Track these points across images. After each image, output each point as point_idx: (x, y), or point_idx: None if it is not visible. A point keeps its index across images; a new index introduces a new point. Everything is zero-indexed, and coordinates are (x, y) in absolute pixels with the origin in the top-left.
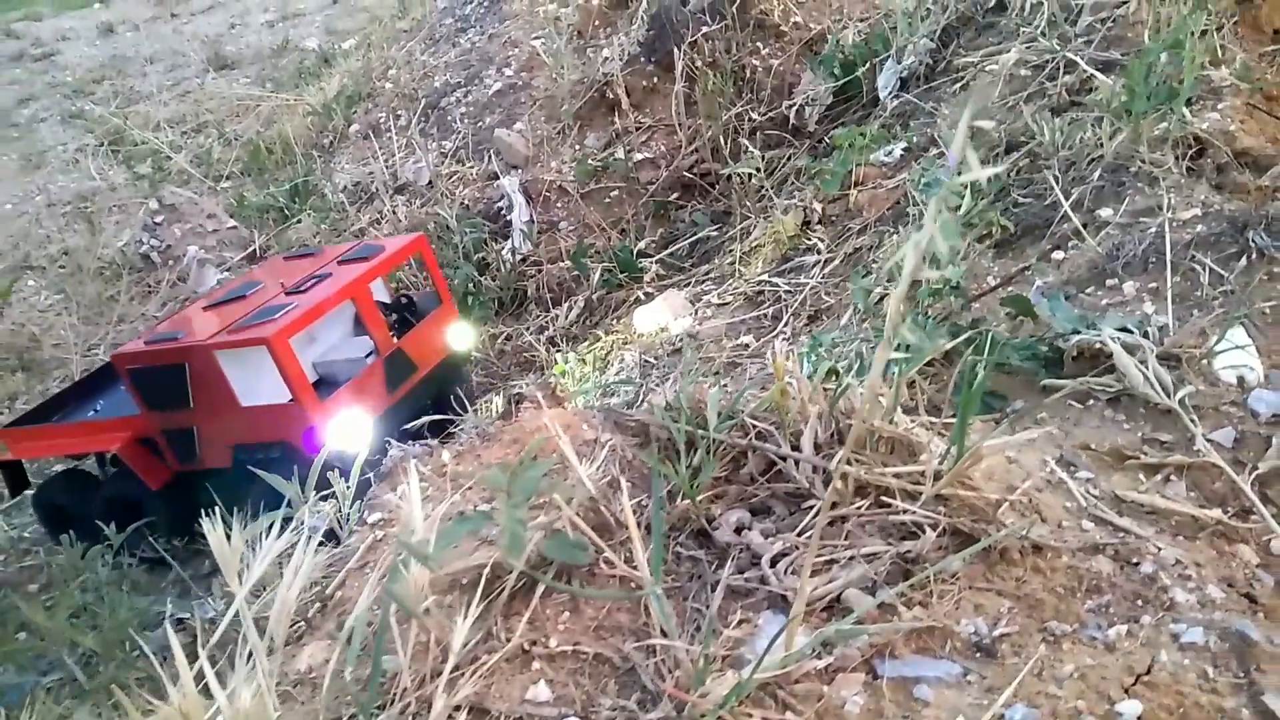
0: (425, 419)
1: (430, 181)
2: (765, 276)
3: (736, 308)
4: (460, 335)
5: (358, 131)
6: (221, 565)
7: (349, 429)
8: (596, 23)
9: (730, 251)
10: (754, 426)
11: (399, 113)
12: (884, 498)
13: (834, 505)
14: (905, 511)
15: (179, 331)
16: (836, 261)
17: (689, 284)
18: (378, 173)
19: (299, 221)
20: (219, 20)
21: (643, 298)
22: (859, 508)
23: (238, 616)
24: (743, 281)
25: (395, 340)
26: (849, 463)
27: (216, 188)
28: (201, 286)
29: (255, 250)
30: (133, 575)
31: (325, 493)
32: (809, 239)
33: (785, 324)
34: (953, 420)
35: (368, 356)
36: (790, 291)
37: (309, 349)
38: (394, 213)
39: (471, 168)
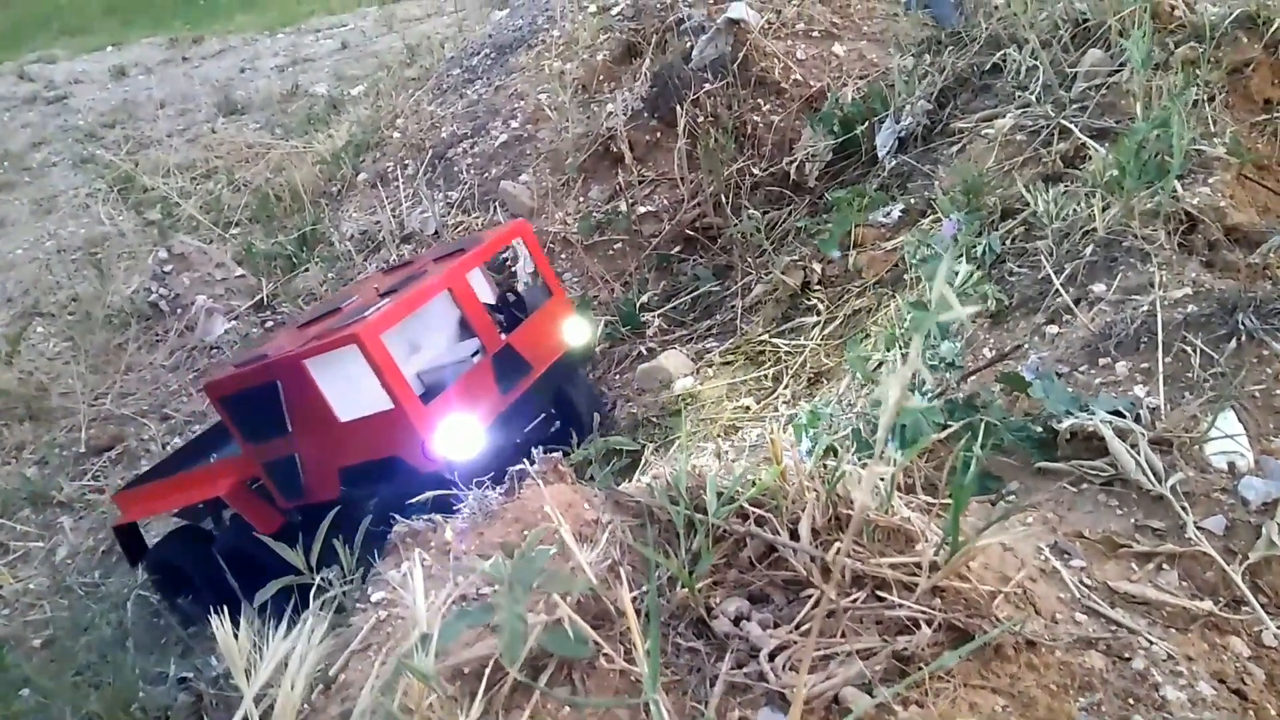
0: (532, 426)
1: (436, 231)
2: (766, 336)
3: (738, 367)
4: (576, 330)
5: (365, 180)
6: (229, 662)
7: (458, 436)
8: (601, 78)
9: (731, 307)
10: (753, 512)
11: (406, 162)
12: (880, 589)
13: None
14: (901, 606)
15: (269, 350)
16: (836, 322)
17: (690, 339)
18: (384, 222)
19: (306, 270)
20: (229, 64)
21: (645, 352)
22: (855, 599)
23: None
24: (743, 341)
25: (503, 337)
26: (846, 554)
27: (225, 235)
28: (209, 336)
29: (263, 298)
30: (135, 633)
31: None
32: (809, 299)
33: (785, 386)
34: (948, 502)
35: (474, 356)
36: (790, 353)
37: (411, 359)
38: (400, 259)
39: (477, 218)
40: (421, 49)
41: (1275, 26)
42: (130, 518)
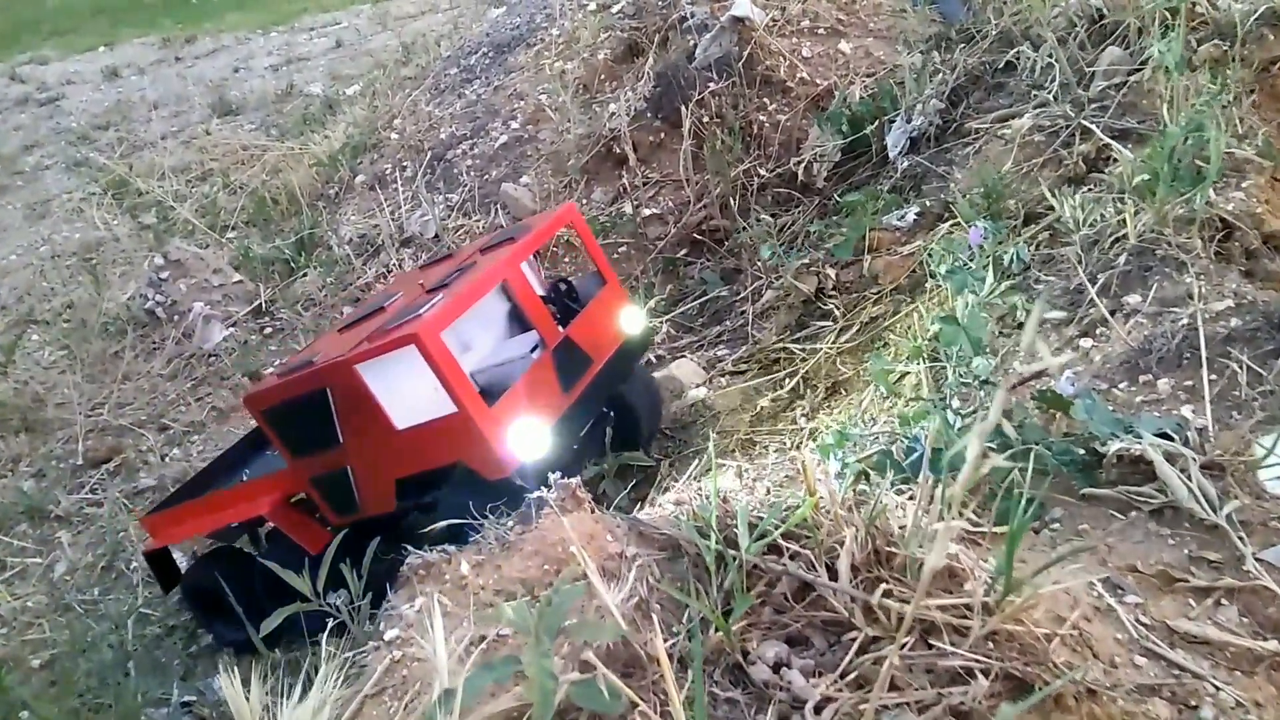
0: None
1: (436, 234)
2: (780, 344)
3: (751, 376)
4: (633, 319)
5: (363, 182)
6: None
7: (524, 438)
8: (602, 77)
9: (741, 313)
10: (787, 548)
11: (405, 164)
12: (928, 633)
13: (875, 640)
14: (953, 654)
15: (313, 357)
16: (853, 330)
17: (700, 346)
18: (383, 225)
19: (305, 275)
20: (223, 64)
21: (654, 360)
22: (904, 646)
23: None
24: (756, 348)
25: (560, 330)
26: (889, 595)
27: (221, 239)
28: (207, 343)
29: (261, 304)
30: (137, 655)
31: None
32: (824, 305)
33: (803, 397)
34: (992, 530)
35: (533, 351)
36: (805, 359)
37: (464, 358)
38: (400, 266)
39: (478, 221)
40: (417, 47)
41: None
42: (162, 542)
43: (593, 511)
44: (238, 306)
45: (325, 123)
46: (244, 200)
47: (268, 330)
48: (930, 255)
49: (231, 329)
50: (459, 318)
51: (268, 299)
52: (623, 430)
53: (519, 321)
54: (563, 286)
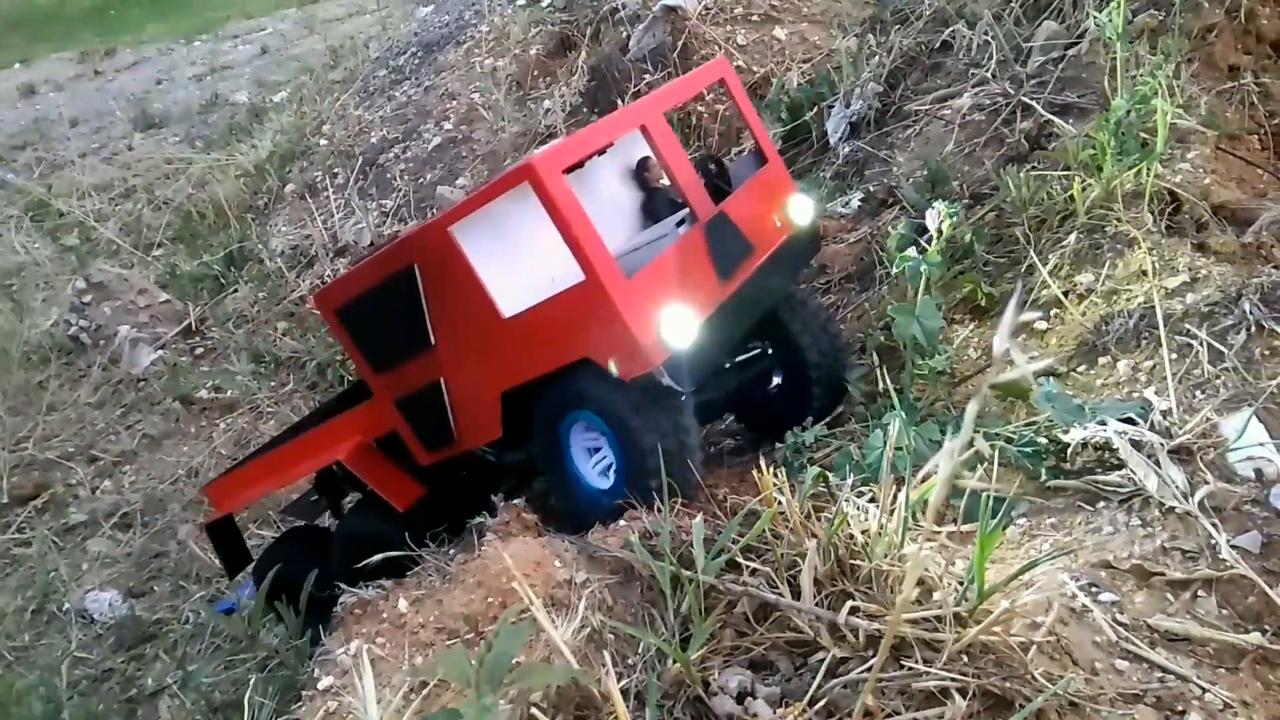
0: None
1: (372, 243)
2: None
3: None
4: (800, 209)
5: (293, 192)
6: None
7: (668, 325)
8: (535, 73)
9: None
10: (747, 565)
11: (335, 171)
12: (900, 651)
13: (843, 661)
14: (928, 674)
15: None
16: None
17: None
18: (316, 235)
19: (236, 291)
20: (145, 76)
21: None
22: (872, 666)
23: None
24: None
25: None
26: (855, 612)
27: (147, 258)
28: (135, 368)
29: (191, 324)
30: (71, 706)
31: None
32: None
33: None
34: (959, 531)
35: (679, 226)
36: None
37: None
38: (335, 276)
39: (414, 227)
40: (345, 50)
41: None
42: (226, 509)
43: (540, 535)
44: (166, 327)
45: (252, 132)
46: (169, 216)
47: (199, 350)
48: (876, 240)
49: (160, 351)
50: (585, 159)
51: (197, 318)
52: (789, 384)
53: (653, 217)
54: (712, 166)
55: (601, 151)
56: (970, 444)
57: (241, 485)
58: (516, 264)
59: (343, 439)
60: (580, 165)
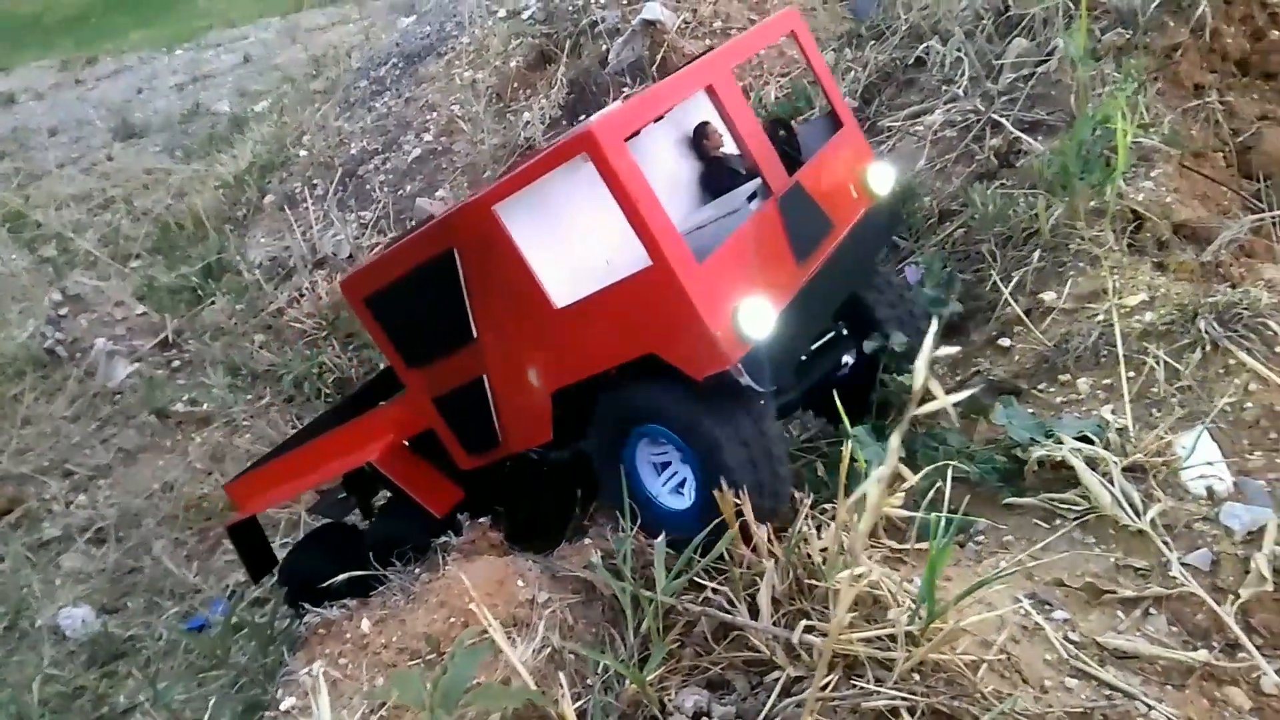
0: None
1: (351, 254)
2: None
3: None
4: (880, 177)
5: (272, 203)
6: None
7: (746, 316)
8: (515, 85)
9: None
10: (708, 586)
11: (315, 182)
12: (851, 666)
13: (798, 680)
14: (878, 692)
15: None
16: None
17: None
18: (295, 247)
19: (213, 303)
20: (126, 85)
21: None
22: (825, 685)
23: None
24: None
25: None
26: (810, 630)
27: (125, 269)
28: (111, 381)
29: (168, 336)
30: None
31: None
32: None
33: None
34: (915, 548)
35: (750, 200)
36: None
37: None
38: (314, 289)
39: (393, 239)
40: (327, 60)
41: (1200, 10)
42: (250, 510)
43: (504, 554)
44: (142, 340)
45: (233, 142)
46: (148, 227)
47: (175, 363)
48: None
49: (137, 364)
50: (648, 125)
51: (174, 330)
52: (860, 366)
53: (711, 190)
54: (781, 132)
55: (660, 117)
56: (896, 473)
57: (266, 485)
58: (569, 247)
59: (374, 438)
60: (636, 134)
